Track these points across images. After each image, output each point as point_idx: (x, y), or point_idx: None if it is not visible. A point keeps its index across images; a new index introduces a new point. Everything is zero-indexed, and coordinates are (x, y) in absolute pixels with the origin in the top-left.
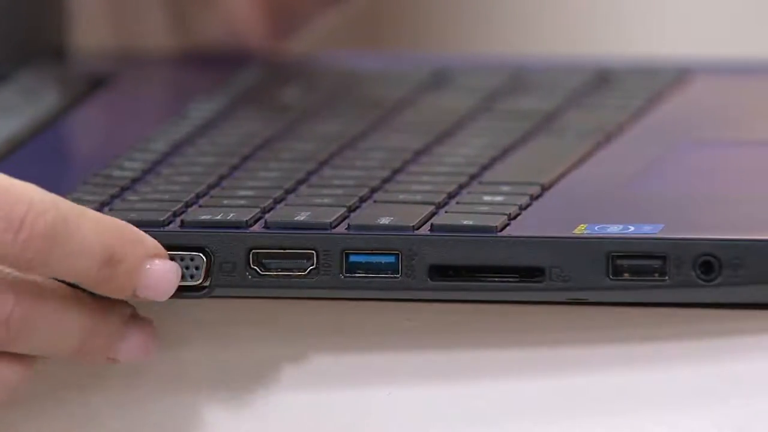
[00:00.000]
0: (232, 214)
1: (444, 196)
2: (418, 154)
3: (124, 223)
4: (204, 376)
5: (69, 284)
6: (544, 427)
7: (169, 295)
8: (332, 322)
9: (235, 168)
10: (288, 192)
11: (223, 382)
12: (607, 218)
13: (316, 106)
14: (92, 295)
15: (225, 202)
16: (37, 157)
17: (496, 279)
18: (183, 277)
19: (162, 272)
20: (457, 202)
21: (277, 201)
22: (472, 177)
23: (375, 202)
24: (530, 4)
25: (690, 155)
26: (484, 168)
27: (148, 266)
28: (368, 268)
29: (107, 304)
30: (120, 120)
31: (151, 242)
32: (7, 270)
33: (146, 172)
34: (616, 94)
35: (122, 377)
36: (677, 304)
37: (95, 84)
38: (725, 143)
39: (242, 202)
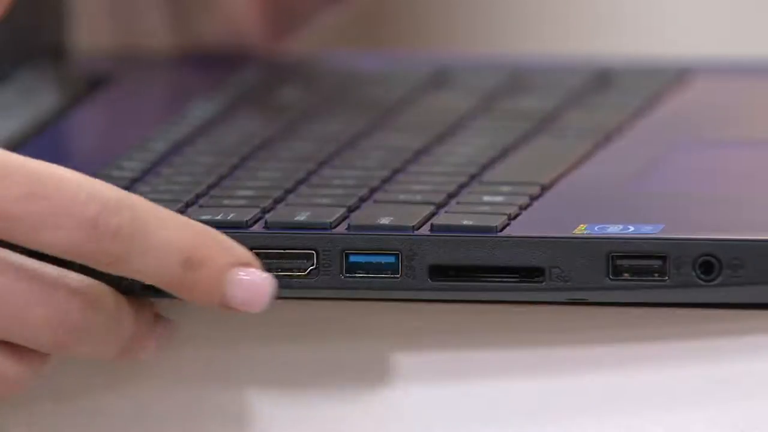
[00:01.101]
0: (232, 214)
1: (444, 196)
2: (418, 153)
3: (208, 227)
4: (203, 376)
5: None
6: (543, 427)
7: (264, 308)
8: (332, 322)
9: (235, 168)
10: (288, 192)
11: (221, 381)
12: (607, 218)
13: (315, 105)
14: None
15: (225, 202)
16: (37, 157)
17: (496, 279)
18: None
19: (253, 284)
20: (457, 202)
21: (277, 201)
22: (472, 177)
23: (375, 202)
24: (530, 4)
25: (690, 155)
26: (484, 168)
27: (240, 276)
28: (368, 268)
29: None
30: (120, 120)
31: (240, 250)
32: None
33: (146, 172)
34: (616, 94)
35: (121, 378)
36: (677, 305)
37: (95, 84)
38: (725, 143)
39: (242, 202)
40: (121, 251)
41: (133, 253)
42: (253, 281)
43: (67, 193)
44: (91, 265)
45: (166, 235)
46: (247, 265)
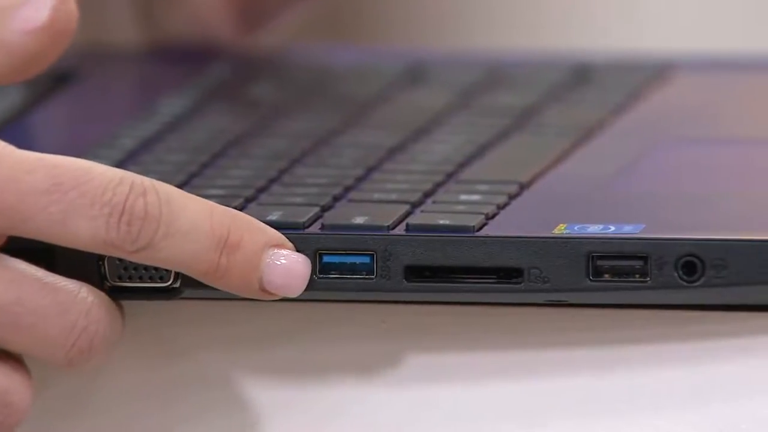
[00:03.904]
0: None
1: (420, 195)
2: (394, 151)
3: (236, 211)
4: (184, 377)
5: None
6: (522, 429)
7: (300, 292)
8: (306, 324)
9: (205, 166)
10: (260, 191)
11: (195, 383)
12: (587, 218)
13: (288, 101)
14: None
15: None
16: None
17: (474, 280)
18: (152, 279)
19: (291, 265)
20: (434, 201)
21: (249, 200)
22: (449, 175)
23: (349, 201)
24: None
25: (671, 153)
26: (461, 166)
27: (276, 258)
28: (342, 268)
29: None
30: (86, 117)
31: (272, 231)
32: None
33: None
34: (596, 91)
35: (118, 377)
36: (659, 306)
37: (60, 80)
38: (707, 141)
39: (213, 201)
40: (150, 236)
41: (163, 237)
42: (290, 263)
43: (93, 181)
44: (120, 254)
45: (197, 217)
46: (281, 246)
